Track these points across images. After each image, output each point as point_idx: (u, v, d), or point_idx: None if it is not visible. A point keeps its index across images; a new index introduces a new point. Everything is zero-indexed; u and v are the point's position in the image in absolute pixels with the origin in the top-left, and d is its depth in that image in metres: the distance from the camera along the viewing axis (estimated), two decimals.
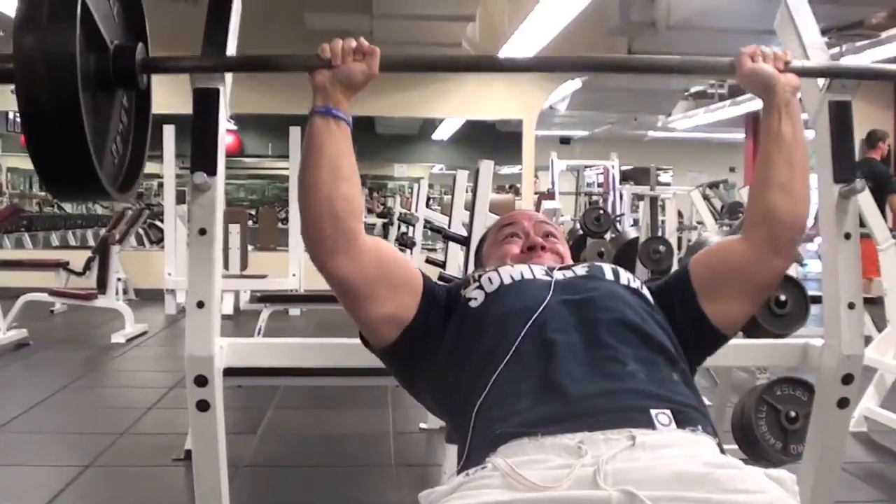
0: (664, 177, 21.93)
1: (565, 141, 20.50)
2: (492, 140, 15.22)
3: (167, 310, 9.98)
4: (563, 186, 16.31)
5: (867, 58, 10.39)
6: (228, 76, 2.12)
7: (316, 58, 1.90)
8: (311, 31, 9.92)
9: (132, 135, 2.09)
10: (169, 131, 8.68)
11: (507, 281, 1.89)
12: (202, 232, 2.04)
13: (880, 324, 5.47)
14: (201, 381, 2.02)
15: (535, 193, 13.34)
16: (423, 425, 5.17)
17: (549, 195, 14.23)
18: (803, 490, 1.92)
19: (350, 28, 9.96)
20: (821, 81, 2.27)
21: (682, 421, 1.58)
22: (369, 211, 14.95)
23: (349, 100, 1.89)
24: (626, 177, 17.13)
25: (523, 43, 9.95)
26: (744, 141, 18.78)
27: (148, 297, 10.59)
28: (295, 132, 8.91)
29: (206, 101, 2.06)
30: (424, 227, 9.24)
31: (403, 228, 10.24)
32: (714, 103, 15.86)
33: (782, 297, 4.05)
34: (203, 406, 2.02)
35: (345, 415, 5.58)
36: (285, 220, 13.62)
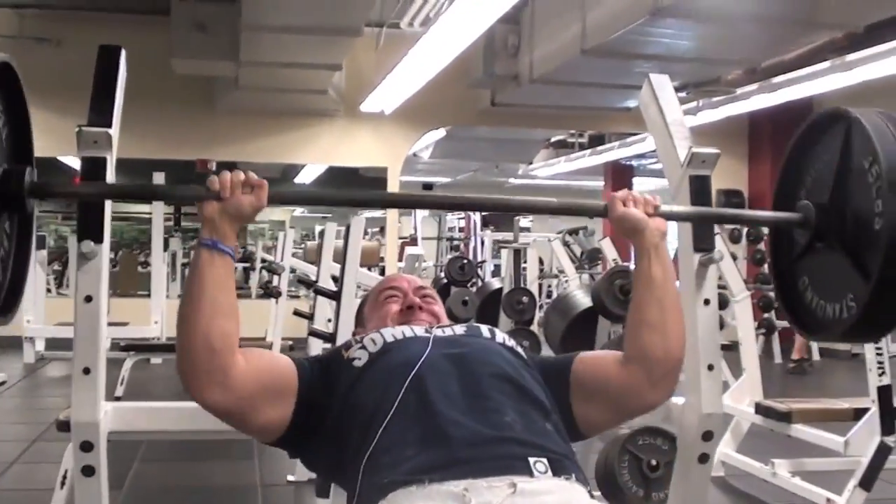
0: (524, 221, 22.34)
1: (428, 187, 20.69)
2: (355, 184, 15.28)
3: (26, 358, 9.68)
4: (425, 232, 16.50)
5: (723, 112, 10.86)
6: (115, 141, 2.15)
7: (205, 189, 1.88)
8: (179, 76, 9.89)
9: (14, 255, 2.01)
10: (159, 178, 8.54)
11: (389, 340, 1.98)
12: (88, 299, 2.07)
13: (735, 371, 5.72)
14: (87, 446, 2.04)
15: (399, 239, 13.45)
16: (290, 477, 5.17)
17: (412, 241, 14.38)
18: None
19: (216, 73, 9.98)
20: (682, 155, 2.43)
21: (557, 469, 1.70)
22: None
23: (237, 232, 1.91)
24: (486, 222, 17.41)
25: (389, 93, 10.10)
26: (602, 189, 19.28)
27: (5, 345, 10.26)
28: (159, 177, 8.85)
29: (93, 169, 2.09)
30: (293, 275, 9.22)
31: (267, 276, 10.18)
32: (574, 152, 16.25)
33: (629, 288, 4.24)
34: (89, 471, 2.04)
35: (211, 467, 5.54)
36: (145, 265, 13.46)
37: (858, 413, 4.78)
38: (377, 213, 13.50)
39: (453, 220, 19.42)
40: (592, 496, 1.72)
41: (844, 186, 2.06)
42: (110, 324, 7.84)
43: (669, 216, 2.10)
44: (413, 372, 1.84)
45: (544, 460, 1.70)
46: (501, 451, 1.71)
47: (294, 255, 10.14)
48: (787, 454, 5.11)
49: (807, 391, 6.23)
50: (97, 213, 2.08)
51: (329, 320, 5.64)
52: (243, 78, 9.62)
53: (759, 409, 5.14)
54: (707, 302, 2.37)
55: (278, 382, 1.91)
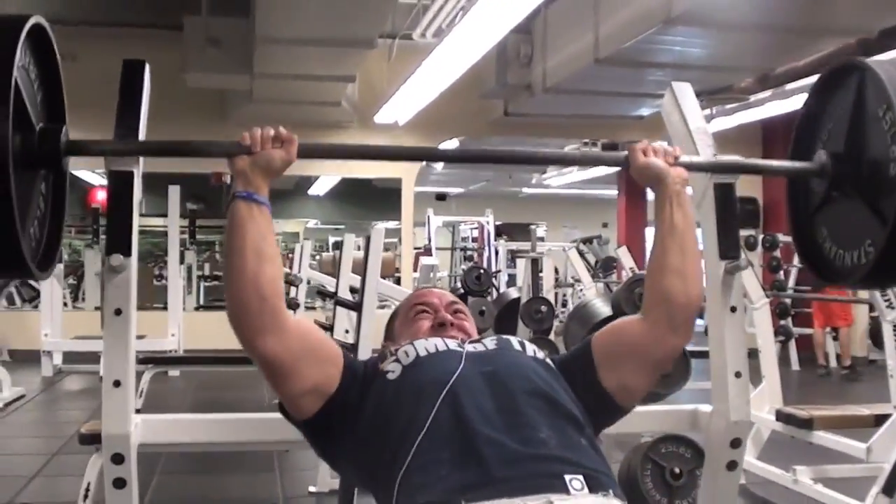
0: (539, 231, 22.35)
1: (441, 197, 20.72)
2: (368, 195, 15.34)
3: (44, 371, 9.69)
4: (438, 242, 16.51)
5: (736, 120, 10.85)
6: (141, 160, 2.17)
7: (237, 144, 1.95)
8: (192, 90, 9.92)
9: (49, 215, 2.11)
10: (174, 191, 8.60)
11: (422, 353, 1.98)
12: (118, 312, 2.08)
13: (754, 379, 5.71)
14: (118, 458, 2.05)
15: (414, 249, 13.47)
16: (312, 489, 5.18)
17: (427, 251, 14.38)
18: None
19: (229, 86, 10.01)
20: None
21: (593, 486, 1.71)
22: None
23: (268, 185, 1.95)
24: (500, 231, 17.41)
25: (402, 104, 10.13)
26: (616, 197, 19.26)
27: (23, 359, 10.29)
28: (174, 191, 8.90)
29: (121, 183, 2.11)
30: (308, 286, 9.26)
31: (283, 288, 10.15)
32: None
33: None
34: (120, 484, 2.05)
35: (232, 480, 5.55)
36: (160, 277, 13.48)
37: (879, 419, 4.79)
38: (391, 224, 13.51)
39: (466, 230, 19.41)
40: None
41: (860, 135, 2.10)
42: None
43: (689, 166, 2.17)
44: (446, 388, 1.85)
45: (580, 477, 1.71)
46: (537, 470, 1.71)
47: (310, 266, 10.18)
48: (809, 461, 5.10)
49: (825, 399, 6.20)
50: (125, 226, 2.10)
51: (347, 331, 5.65)
52: (257, 91, 9.66)
53: (780, 416, 5.13)
54: (734, 309, 2.37)
55: (325, 352, 1.95)
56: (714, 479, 2.36)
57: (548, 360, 2.07)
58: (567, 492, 1.67)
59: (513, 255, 15.38)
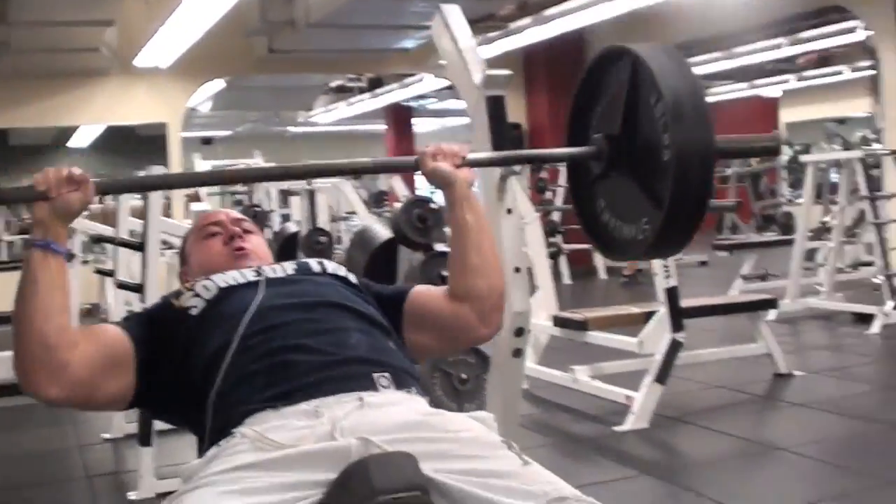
0: None
1: (207, 141, 20.41)
2: (133, 144, 14.96)
3: None
4: (207, 188, 16.30)
5: (498, 48, 11.11)
6: None
7: (32, 189, 1.87)
8: None
9: None
10: None
11: (222, 285, 2.04)
12: None
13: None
14: None
15: (185, 196, 13.25)
16: (105, 435, 5.18)
17: (196, 197, 14.18)
18: None
19: None
20: (477, 78, 2.61)
21: (399, 383, 1.85)
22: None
23: (67, 229, 1.92)
24: None
25: (164, 47, 9.92)
26: (385, 132, 19.49)
27: None
28: None
29: None
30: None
31: None
32: (354, 96, 16.32)
33: (445, 273, 4.44)
34: None
35: (23, 435, 5.45)
36: None
37: (648, 316, 5.17)
38: (158, 171, 13.18)
39: None
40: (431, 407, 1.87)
41: (633, 119, 2.17)
42: None
43: (476, 163, 2.23)
44: (251, 310, 1.92)
45: (387, 375, 1.84)
46: (347, 371, 1.83)
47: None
48: (586, 361, 5.46)
49: (595, 304, 6.60)
50: None
51: (133, 273, 5.60)
52: (15, 40, 9.24)
53: (557, 320, 5.47)
54: (510, 211, 2.57)
55: (115, 356, 1.93)
56: (502, 368, 2.57)
57: (350, 277, 2.17)
58: (375, 388, 1.80)
59: (285, 195, 15.34)
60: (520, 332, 2.55)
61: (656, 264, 4.91)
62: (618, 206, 2.29)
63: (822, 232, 9.10)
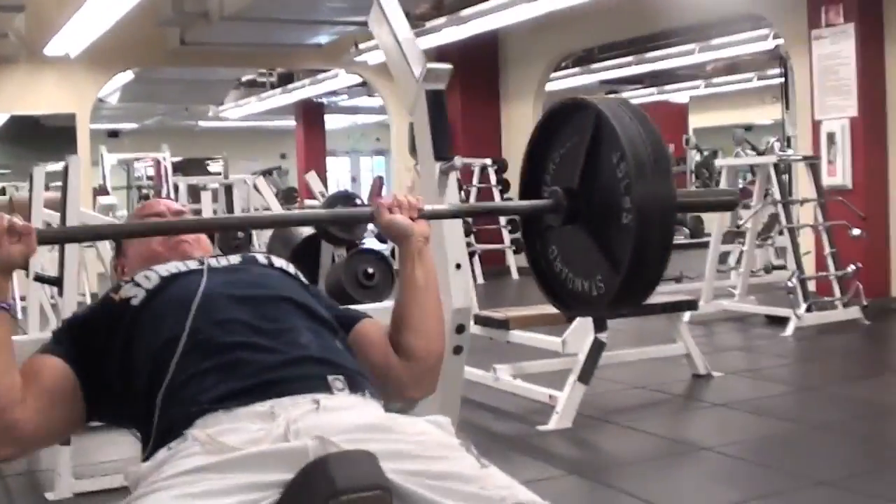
0: (214, 166, 22.06)
1: (114, 134, 20.05)
2: (38, 136, 14.56)
3: None
4: (114, 181, 16.01)
5: None
6: None
7: None
8: None
9: None
10: None
11: (164, 274, 1.95)
12: None
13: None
14: None
15: (93, 188, 12.97)
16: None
17: (103, 191, 13.92)
18: None
19: None
20: (416, 70, 2.55)
21: (353, 386, 1.78)
22: None
23: (10, 281, 1.80)
24: (176, 168, 17.05)
25: (74, 35, 9.69)
26: (294, 128, 19.31)
27: None
28: None
29: None
30: None
31: None
32: (265, 91, 16.15)
33: (370, 270, 4.42)
34: None
35: None
36: None
37: (570, 316, 5.14)
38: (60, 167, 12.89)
39: (141, 168, 18.87)
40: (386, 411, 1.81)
41: (593, 174, 2.09)
42: None
43: (432, 215, 2.16)
44: (195, 304, 1.84)
45: (341, 377, 1.77)
46: (301, 372, 1.76)
47: None
48: (508, 360, 5.43)
49: (510, 304, 6.60)
50: None
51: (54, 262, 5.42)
52: None
53: (478, 319, 5.41)
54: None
55: (61, 392, 1.83)
56: (444, 365, 2.51)
57: (299, 275, 2.11)
58: (330, 391, 1.73)
59: (194, 191, 15.11)
60: (461, 328, 2.51)
61: None
62: (572, 257, 2.21)
63: (734, 236, 9.24)
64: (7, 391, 1.73)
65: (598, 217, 2.07)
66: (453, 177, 2.54)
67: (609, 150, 2.03)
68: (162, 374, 1.76)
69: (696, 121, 20.55)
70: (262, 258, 2.12)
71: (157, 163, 15.58)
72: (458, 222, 2.56)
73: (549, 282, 2.28)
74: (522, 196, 2.28)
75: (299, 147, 18.75)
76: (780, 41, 9.52)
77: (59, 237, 2.01)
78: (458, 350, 2.52)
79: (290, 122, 19.76)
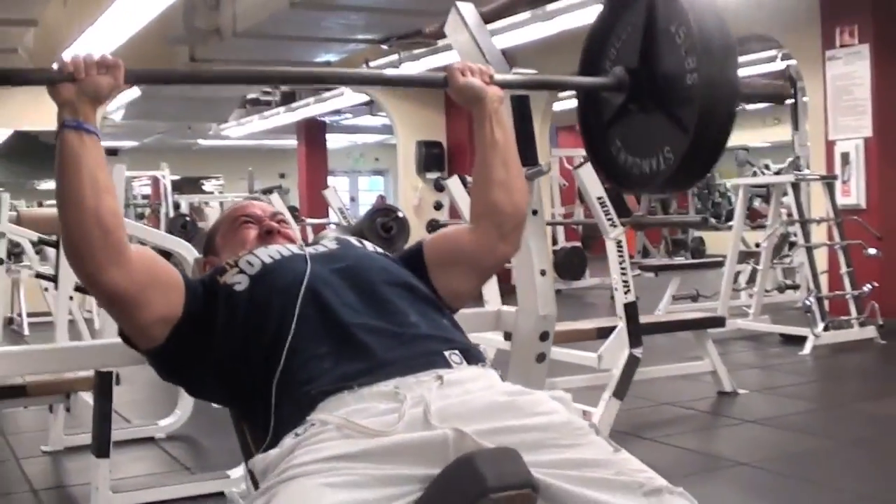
0: (208, 186, 22.04)
1: (113, 152, 19.98)
2: (36, 153, 14.53)
3: None
4: None
5: (424, 65, 11.08)
6: None
7: (59, 71, 1.83)
8: None
9: None
10: None
11: (267, 261, 1.97)
12: None
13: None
14: None
15: None
16: (45, 448, 4.97)
17: None
18: None
19: None
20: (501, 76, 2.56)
21: (469, 358, 1.81)
22: None
23: (96, 112, 1.87)
24: (174, 187, 17.00)
25: (84, 52, 9.63)
26: (296, 147, 19.26)
27: None
28: None
29: None
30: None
31: None
32: (269, 109, 16.08)
33: (390, 225, 4.66)
34: None
35: None
36: None
37: (601, 332, 5.15)
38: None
39: (137, 186, 18.83)
40: (503, 378, 1.84)
41: (653, 50, 2.23)
42: None
43: (504, 84, 2.24)
44: (303, 288, 1.85)
45: (457, 351, 1.80)
46: (419, 349, 1.78)
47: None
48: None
49: None
50: None
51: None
52: None
53: (508, 334, 5.39)
54: (535, 212, 2.52)
55: (168, 279, 1.90)
56: (525, 373, 2.52)
57: (388, 254, 2.14)
58: (450, 366, 1.76)
59: (198, 207, 15.04)
60: (545, 336, 2.50)
61: (616, 279, 4.90)
62: (636, 142, 2.35)
63: (745, 256, 9.26)
64: (115, 213, 1.82)
65: (662, 88, 2.23)
66: (537, 184, 2.54)
67: (666, 20, 2.21)
68: (275, 361, 1.77)
69: None
70: (355, 241, 2.14)
71: (156, 181, 15.53)
72: (544, 233, 2.55)
73: (615, 174, 2.46)
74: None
75: (301, 166, 18.69)
76: (791, 62, 9.55)
77: (146, 77, 2.09)
78: (541, 358, 2.52)
79: (290, 141, 19.70)
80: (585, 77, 2.45)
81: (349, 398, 1.67)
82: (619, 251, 4.94)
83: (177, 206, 14.60)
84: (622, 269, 4.86)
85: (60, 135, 1.81)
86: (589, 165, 4.52)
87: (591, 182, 4.81)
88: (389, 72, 2.55)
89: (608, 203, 4.88)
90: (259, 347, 1.82)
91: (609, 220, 4.79)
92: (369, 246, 2.14)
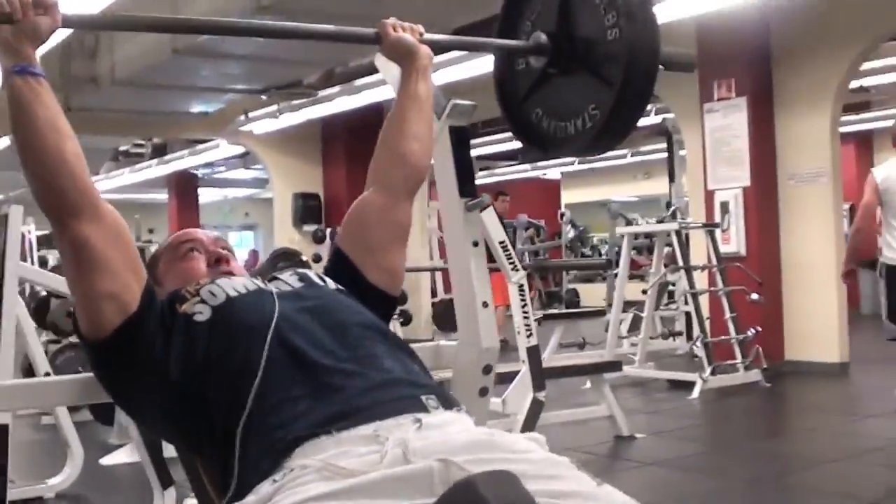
0: None
1: None
2: None
3: None
4: None
5: (303, 115, 11.04)
6: None
7: None
8: None
9: None
10: None
11: (232, 294, 1.87)
12: None
13: None
14: None
15: None
16: None
17: None
18: None
19: None
20: (440, 107, 2.53)
21: (444, 403, 1.75)
22: None
23: (35, 51, 1.78)
24: (41, 243, 16.42)
25: None
26: (166, 201, 18.90)
27: None
28: None
29: None
30: None
31: None
32: (142, 161, 15.76)
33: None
34: None
35: None
36: None
37: (504, 377, 5.10)
38: None
39: None
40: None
41: (571, 11, 2.26)
42: None
43: (432, 43, 2.26)
44: (271, 328, 1.77)
45: (433, 396, 1.74)
46: (395, 394, 1.71)
47: None
48: None
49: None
50: None
51: None
52: None
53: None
54: (476, 244, 2.49)
55: (133, 255, 1.83)
56: (468, 408, 2.45)
57: (339, 285, 2.06)
58: (427, 410, 1.69)
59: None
60: (488, 369, 2.45)
61: (519, 322, 4.89)
62: (558, 106, 2.35)
63: (626, 305, 9.40)
64: (80, 157, 1.78)
65: (584, 47, 2.25)
66: (476, 215, 2.51)
67: None
68: (242, 402, 1.68)
69: (568, 196, 21.00)
70: (315, 277, 2.06)
71: (22, 236, 14.99)
72: (485, 266, 2.52)
73: (538, 141, 2.43)
74: None
75: (171, 220, 18.34)
76: (668, 115, 9.80)
77: (84, 22, 2.00)
78: (483, 392, 2.46)
79: (160, 196, 19.36)
80: (508, 41, 2.42)
81: (328, 443, 1.58)
82: (522, 295, 4.92)
83: (43, 261, 14.06)
84: (524, 313, 4.85)
85: (8, 82, 1.73)
86: (490, 209, 4.49)
87: (492, 226, 4.78)
88: (315, 26, 2.39)
89: (510, 247, 4.86)
90: (220, 386, 1.72)
91: (511, 264, 4.77)
92: (330, 283, 2.05)
